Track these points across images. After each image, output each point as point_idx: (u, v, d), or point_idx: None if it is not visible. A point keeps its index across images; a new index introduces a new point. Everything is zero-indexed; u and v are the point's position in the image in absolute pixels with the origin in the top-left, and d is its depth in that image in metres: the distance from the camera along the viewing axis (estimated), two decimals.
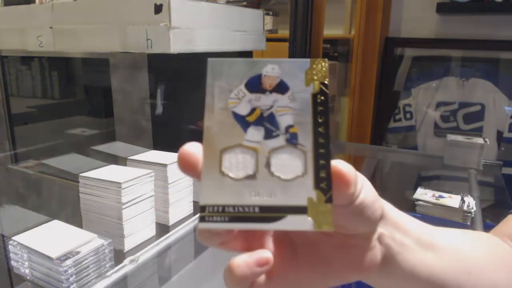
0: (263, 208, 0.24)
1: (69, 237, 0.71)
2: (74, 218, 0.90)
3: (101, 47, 0.90)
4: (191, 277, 0.88)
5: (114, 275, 0.72)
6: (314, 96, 0.26)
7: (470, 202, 0.99)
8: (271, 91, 0.26)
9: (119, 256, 0.78)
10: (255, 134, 0.25)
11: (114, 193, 0.79)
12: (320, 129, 0.25)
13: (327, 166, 0.24)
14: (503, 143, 1.77)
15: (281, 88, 0.26)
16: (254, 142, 0.25)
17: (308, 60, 0.26)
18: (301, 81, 0.26)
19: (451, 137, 1.37)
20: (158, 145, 1.26)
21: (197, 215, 1.04)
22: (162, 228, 0.92)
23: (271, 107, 0.26)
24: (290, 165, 0.25)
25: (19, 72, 1.70)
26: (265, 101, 0.26)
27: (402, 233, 0.31)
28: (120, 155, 1.36)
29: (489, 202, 1.27)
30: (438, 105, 1.88)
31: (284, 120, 0.25)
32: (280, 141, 0.25)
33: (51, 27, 0.96)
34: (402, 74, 1.97)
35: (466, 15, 1.80)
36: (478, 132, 1.80)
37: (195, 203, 1.00)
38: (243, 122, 0.25)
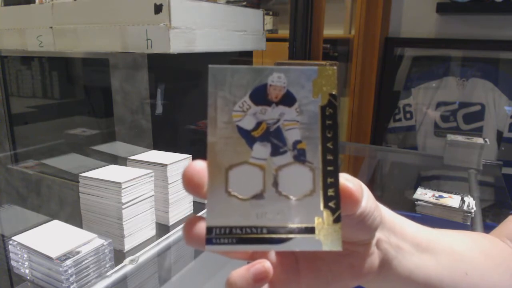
0: (271, 229, 0.23)
1: (69, 237, 0.71)
2: (74, 218, 0.90)
3: (101, 47, 0.90)
4: (191, 277, 0.88)
5: (114, 275, 0.72)
6: (323, 108, 0.24)
7: (470, 202, 0.99)
8: (277, 103, 0.24)
9: (119, 256, 0.78)
10: (261, 150, 0.24)
11: (114, 193, 0.79)
12: (329, 145, 0.24)
13: (336, 184, 0.24)
14: (503, 143, 1.77)
15: (287, 99, 0.24)
16: (260, 159, 0.24)
17: (315, 68, 0.25)
18: (308, 91, 0.24)
19: (451, 137, 1.37)
20: (158, 145, 1.26)
21: (197, 215, 1.05)
22: (162, 228, 0.92)
23: (278, 121, 0.24)
24: (298, 183, 0.24)
25: (19, 72, 1.70)
26: (271, 114, 0.24)
27: (399, 236, 0.31)
28: (120, 155, 1.36)
29: (489, 202, 1.27)
30: (438, 105, 1.88)
31: (292, 135, 0.24)
32: (287, 158, 0.24)
33: (51, 27, 0.96)
34: (402, 74, 1.97)
35: (466, 15, 1.80)
36: (478, 132, 1.80)
37: (195, 203, 1.00)
38: (249, 137, 0.24)
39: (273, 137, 0.24)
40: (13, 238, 0.71)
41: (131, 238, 0.83)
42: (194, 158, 0.98)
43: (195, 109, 1.42)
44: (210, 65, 0.24)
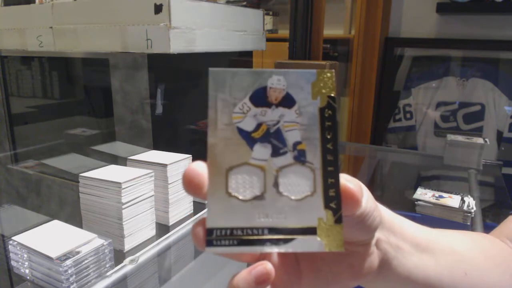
0: (273, 230, 0.23)
1: (69, 237, 0.71)
2: (74, 218, 0.90)
3: (101, 47, 0.90)
4: (191, 277, 0.88)
5: (114, 275, 0.72)
6: (322, 110, 0.25)
7: (470, 202, 0.99)
8: (277, 105, 0.25)
9: (119, 256, 0.78)
10: (262, 151, 0.24)
11: (114, 193, 0.79)
12: (329, 146, 0.24)
13: (336, 185, 0.24)
14: (503, 143, 1.77)
15: (287, 101, 0.25)
16: (261, 160, 0.24)
17: (314, 71, 0.25)
18: (307, 93, 0.25)
19: (451, 137, 1.37)
20: (158, 145, 1.26)
21: (197, 216, 1.04)
22: (162, 228, 0.92)
23: (278, 122, 0.25)
24: (299, 184, 0.24)
25: (19, 72, 1.70)
26: (271, 116, 0.25)
27: (398, 236, 0.31)
28: (120, 155, 1.36)
29: (489, 202, 1.27)
30: (438, 105, 1.88)
31: (292, 136, 0.25)
32: (288, 158, 0.24)
33: (51, 27, 0.96)
34: (402, 74, 1.97)
35: (466, 15, 1.80)
36: (478, 132, 1.80)
37: (195, 203, 1.00)
38: (249, 138, 0.24)
39: (273, 138, 0.25)
40: (13, 238, 0.71)
41: (131, 238, 0.83)
42: (194, 158, 0.98)
43: (195, 109, 1.42)
44: (210, 68, 0.24)
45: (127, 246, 0.82)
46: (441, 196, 1.03)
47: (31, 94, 1.70)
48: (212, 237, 0.23)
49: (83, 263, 0.68)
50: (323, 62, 1.30)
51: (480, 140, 1.33)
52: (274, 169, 0.24)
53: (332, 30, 2.05)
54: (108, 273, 0.72)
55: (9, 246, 0.72)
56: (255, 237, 0.23)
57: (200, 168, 0.24)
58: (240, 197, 0.24)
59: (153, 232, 0.88)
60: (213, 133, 0.24)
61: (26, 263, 0.70)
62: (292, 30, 1.40)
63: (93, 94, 1.56)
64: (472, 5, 1.68)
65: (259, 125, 0.25)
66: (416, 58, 1.94)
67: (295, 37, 1.40)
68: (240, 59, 1.54)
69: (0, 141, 1.71)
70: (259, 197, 0.24)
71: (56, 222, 0.77)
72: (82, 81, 1.62)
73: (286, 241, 0.23)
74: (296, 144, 0.25)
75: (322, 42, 1.46)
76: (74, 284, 0.66)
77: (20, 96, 1.72)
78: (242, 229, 0.23)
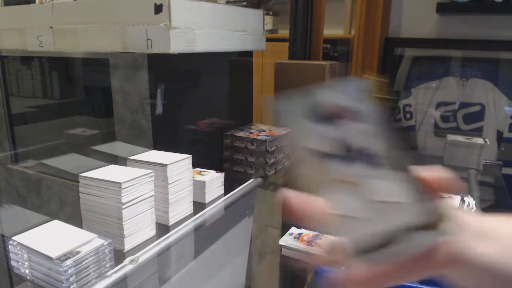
0: (384, 237, 0.25)
1: (69, 237, 0.71)
2: (74, 218, 0.90)
3: (101, 47, 0.90)
4: (191, 277, 0.88)
5: (114, 275, 0.72)
6: (382, 114, 0.26)
7: (470, 202, 0.99)
8: (339, 119, 0.26)
9: (119, 256, 0.78)
10: (341, 166, 0.25)
11: (114, 193, 0.79)
12: (399, 146, 0.25)
13: (420, 180, 0.26)
14: (503, 143, 1.77)
15: (348, 114, 0.26)
16: (345, 175, 0.25)
17: (362, 80, 0.26)
18: (363, 102, 0.26)
19: (451, 137, 1.37)
20: (158, 145, 1.26)
21: (197, 215, 1.04)
22: (162, 228, 0.91)
23: (346, 135, 0.26)
24: (389, 188, 0.25)
25: (19, 72, 1.70)
26: (337, 131, 0.26)
27: (463, 224, 0.31)
28: (120, 155, 1.36)
29: (489, 202, 1.27)
30: (438, 105, 1.88)
31: (363, 145, 0.26)
32: (367, 167, 0.25)
33: (51, 27, 0.96)
34: (402, 74, 1.97)
35: (466, 15, 1.80)
36: (478, 132, 1.80)
37: (195, 203, 1.00)
38: (327, 157, 0.25)
39: (348, 151, 0.26)
40: (13, 238, 0.71)
41: (131, 238, 0.83)
42: (194, 157, 0.97)
43: (195, 109, 1.42)
44: (271, 100, 0.26)
45: (127, 246, 0.82)
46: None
47: (31, 94, 1.70)
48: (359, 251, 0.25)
49: (83, 263, 0.68)
50: (323, 62, 1.30)
51: (480, 140, 1.33)
52: (360, 180, 0.25)
53: (332, 30, 2.05)
54: (108, 273, 0.72)
55: (9, 246, 0.72)
56: (372, 245, 0.25)
57: (299, 198, 0.26)
58: (344, 214, 0.25)
59: (153, 232, 0.88)
60: (295, 162, 0.26)
61: (26, 263, 0.70)
62: (292, 30, 1.40)
63: (93, 94, 1.56)
64: (472, 5, 1.68)
65: (330, 143, 0.26)
66: (416, 58, 1.94)
67: (295, 37, 1.40)
68: (240, 59, 1.54)
69: (0, 141, 1.71)
70: (359, 209, 0.25)
71: (56, 222, 0.77)
72: (82, 81, 1.62)
73: (401, 241, 0.25)
74: (369, 151, 0.25)
75: (322, 42, 1.46)
76: (74, 284, 0.66)
77: (20, 96, 1.72)
78: (365, 242, 0.25)
